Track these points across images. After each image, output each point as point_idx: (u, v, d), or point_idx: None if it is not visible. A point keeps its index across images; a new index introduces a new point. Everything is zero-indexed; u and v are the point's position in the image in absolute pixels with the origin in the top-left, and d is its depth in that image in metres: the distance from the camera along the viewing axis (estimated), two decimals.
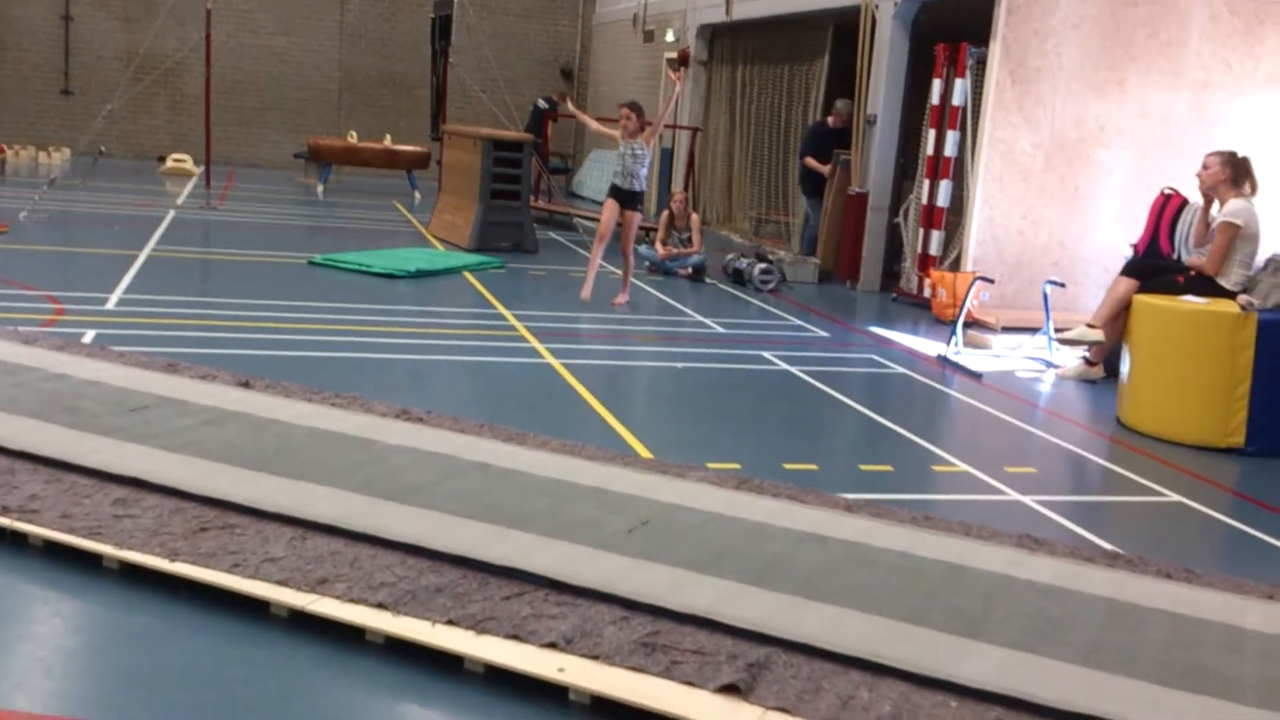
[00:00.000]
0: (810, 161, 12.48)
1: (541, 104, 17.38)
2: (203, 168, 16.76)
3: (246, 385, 5.58)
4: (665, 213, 11.90)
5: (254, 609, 3.34)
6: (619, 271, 9.97)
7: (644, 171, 9.44)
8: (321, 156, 16.65)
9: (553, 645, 3.13)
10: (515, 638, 3.16)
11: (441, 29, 16.63)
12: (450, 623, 3.22)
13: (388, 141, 17.30)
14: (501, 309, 8.86)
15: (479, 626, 3.21)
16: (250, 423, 4.91)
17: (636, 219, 9.56)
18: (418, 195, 16.75)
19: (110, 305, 7.79)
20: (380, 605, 3.29)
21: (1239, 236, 7.15)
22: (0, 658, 3.07)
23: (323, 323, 7.80)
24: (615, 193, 9.51)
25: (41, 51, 19.25)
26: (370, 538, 3.74)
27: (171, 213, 13.05)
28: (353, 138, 17.11)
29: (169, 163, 17.78)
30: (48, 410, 4.80)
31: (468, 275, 10.44)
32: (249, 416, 4.99)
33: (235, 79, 19.45)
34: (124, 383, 5.36)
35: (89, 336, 6.68)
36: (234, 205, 14.49)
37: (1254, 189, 7.35)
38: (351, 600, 3.31)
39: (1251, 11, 10.26)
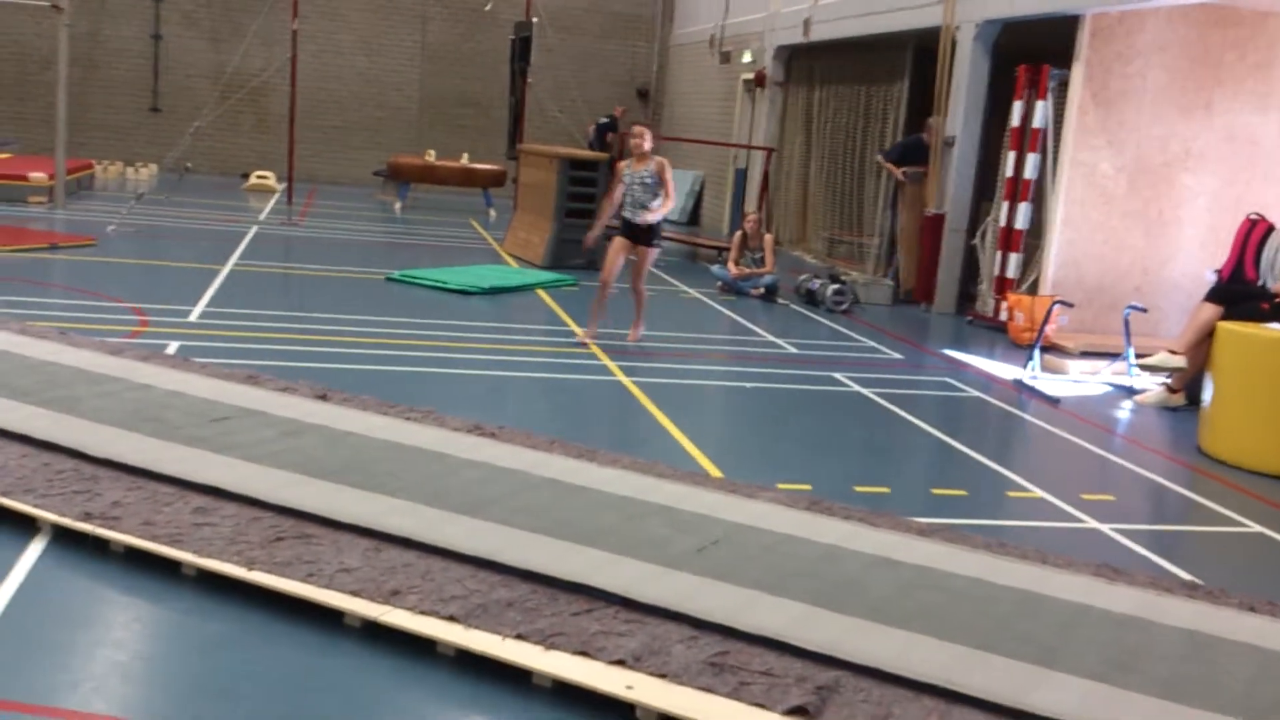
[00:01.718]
0: (887, 163, 12.33)
1: (603, 120, 17.52)
2: (285, 184, 17.10)
3: (324, 398, 5.67)
4: (738, 233, 11.89)
5: (328, 618, 3.39)
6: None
7: (657, 204, 8.08)
8: (400, 174, 16.91)
9: (621, 662, 3.13)
10: (584, 654, 3.17)
11: (521, 50, 16.81)
12: (520, 637, 3.23)
13: (465, 160, 17.51)
14: (574, 326, 8.91)
15: (548, 641, 3.22)
16: (328, 435, 4.99)
17: (652, 255, 8.36)
18: (493, 213, 16.92)
19: (193, 318, 7.97)
20: (451, 618, 3.31)
21: None
22: (79, 662, 3.14)
23: (399, 337, 7.90)
24: (624, 228, 8.28)
25: (132, 70, 19.80)
26: (442, 550, 3.77)
27: (254, 228, 13.32)
28: (431, 156, 17.35)
29: (252, 179, 18.17)
30: (133, 420, 4.92)
31: (541, 292, 10.52)
32: (326, 429, 5.07)
33: (318, 98, 19.84)
34: (206, 394, 5.47)
35: (173, 348, 6.84)
36: (314, 221, 14.75)
37: None
38: (423, 612, 3.34)
39: None
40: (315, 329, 7.97)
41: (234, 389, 5.64)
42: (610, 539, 3.98)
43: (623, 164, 8.28)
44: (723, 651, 3.23)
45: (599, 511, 4.28)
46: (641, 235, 8.21)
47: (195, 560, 3.61)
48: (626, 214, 8.21)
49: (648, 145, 8.10)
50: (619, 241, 8.27)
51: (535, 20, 16.53)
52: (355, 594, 3.43)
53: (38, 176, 13.62)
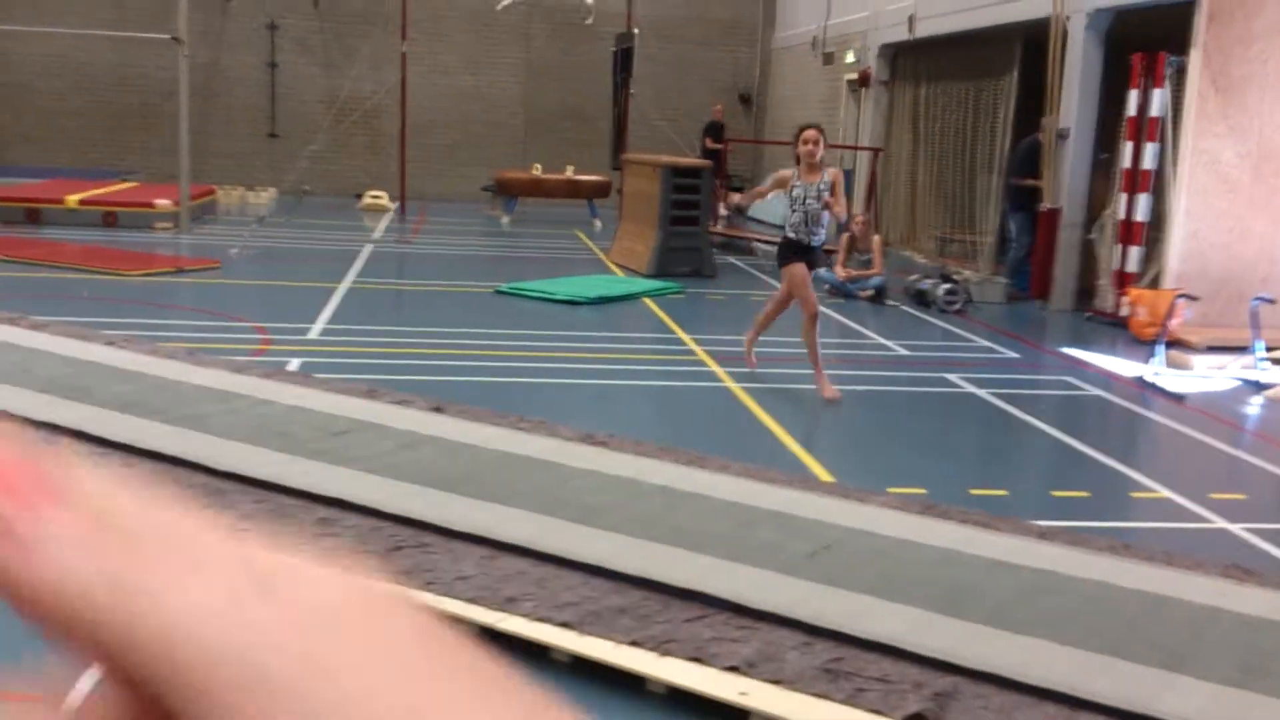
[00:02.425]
0: (1023, 182, 11.98)
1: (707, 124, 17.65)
2: (398, 203, 17.49)
3: (439, 410, 5.78)
4: (846, 235, 11.77)
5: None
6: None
7: (828, 218, 7.08)
8: (507, 189, 17.15)
9: (735, 669, 3.12)
10: (697, 660, 3.17)
11: (622, 61, 16.94)
12: (633, 643, 3.25)
13: (570, 172, 17.69)
14: (681, 333, 8.93)
15: (661, 648, 3.23)
16: (444, 446, 5.08)
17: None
18: (598, 223, 17.05)
19: (313, 335, 8.20)
20: (565, 624, 3.35)
21: None
22: None
23: (509, 349, 8.02)
24: (795, 250, 7.05)
25: (249, 97, 20.47)
26: (556, 558, 3.81)
27: (369, 246, 13.65)
28: (537, 170, 17.57)
29: (366, 199, 18.62)
30: (258, 435, 5.09)
31: (648, 301, 10.57)
32: (442, 440, 5.17)
33: (427, 118, 20.25)
34: (326, 408, 5.63)
35: (294, 364, 7.05)
36: (426, 238, 15.06)
37: None
38: (538, 619, 3.39)
39: None
40: (429, 343, 8.14)
41: (353, 403, 5.79)
42: (722, 545, 3.98)
43: (787, 173, 7.11)
44: (837, 657, 3.20)
45: (710, 518, 4.29)
46: (816, 255, 7.22)
47: None
48: (795, 233, 7.02)
49: (821, 153, 7.00)
50: (798, 268, 7.05)
51: (636, 31, 16.63)
52: (472, 601, 3.49)
53: (163, 203, 14.16)
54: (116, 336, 7.32)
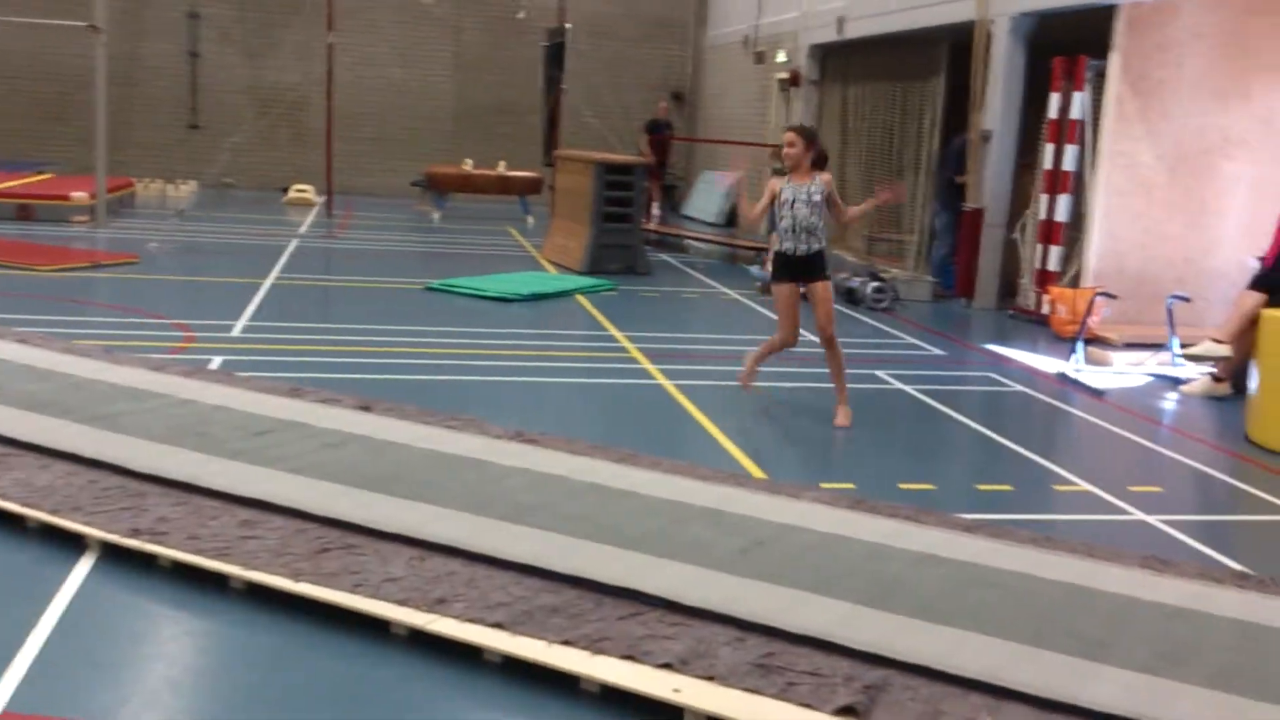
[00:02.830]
0: (962, 179, 12.07)
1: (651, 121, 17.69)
2: (324, 197, 17.25)
3: (367, 409, 5.71)
4: (775, 234, 11.84)
5: (374, 628, 3.41)
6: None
7: (822, 225, 6.39)
8: (437, 184, 17.00)
9: (668, 666, 3.13)
10: (630, 658, 3.17)
11: (554, 56, 16.86)
12: (566, 642, 3.24)
13: (501, 168, 17.58)
14: (614, 331, 8.92)
15: (594, 646, 3.22)
16: (371, 445, 5.02)
17: (828, 292, 6.47)
18: (531, 220, 16.98)
19: (235, 332, 8.05)
20: (497, 625, 3.33)
21: None
22: (130, 676, 3.18)
23: (439, 346, 7.95)
24: (787, 266, 6.44)
25: (169, 87, 20.03)
26: (487, 558, 3.79)
27: (294, 242, 13.45)
28: (467, 165, 17.43)
29: (292, 193, 18.34)
30: (177, 435, 4.98)
31: (580, 298, 10.54)
32: (369, 439, 5.11)
33: (355, 111, 19.98)
34: (249, 407, 5.53)
35: (216, 363, 6.91)
36: (354, 233, 14.88)
37: None
38: (469, 620, 3.36)
39: None
40: (357, 340, 8.04)
41: (277, 402, 5.70)
42: (654, 542, 3.99)
43: (776, 181, 6.51)
44: (769, 652, 3.22)
45: (642, 515, 4.29)
46: (813, 268, 6.43)
47: (242, 573, 3.65)
48: (786, 245, 6.40)
49: (804, 156, 6.32)
50: (788, 289, 6.47)
51: (568, 26, 16.56)
52: (401, 603, 3.45)
53: (79, 196, 13.82)
54: (29, 334, 7.13)
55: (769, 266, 10.59)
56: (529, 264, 12.83)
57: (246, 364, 6.90)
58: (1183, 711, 2.96)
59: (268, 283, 10.32)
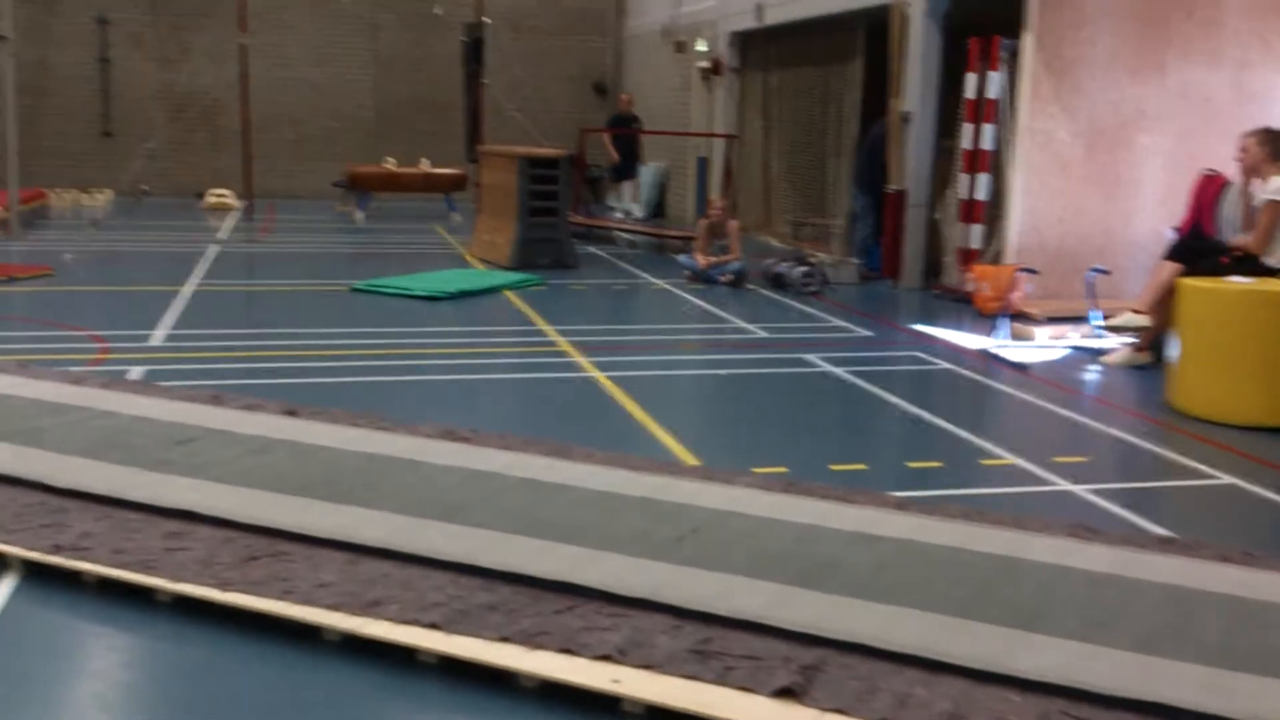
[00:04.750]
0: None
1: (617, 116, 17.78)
2: (244, 202, 16.98)
3: (293, 413, 5.62)
4: (704, 222, 11.89)
5: (306, 635, 3.36)
6: (661, 282, 9.86)
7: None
8: (360, 184, 16.81)
9: (606, 657, 3.12)
10: (568, 651, 3.15)
11: (474, 52, 16.74)
12: (503, 639, 3.22)
13: (425, 166, 17.43)
14: (544, 325, 8.89)
15: (532, 641, 3.20)
16: (297, 450, 4.95)
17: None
18: (456, 217, 16.86)
19: (156, 341, 7.89)
20: (433, 625, 3.29)
21: None
22: (58, 694, 3.10)
23: (367, 348, 7.86)
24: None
25: (81, 95, 19.59)
26: (421, 558, 3.75)
27: (215, 247, 13.22)
28: (390, 164, 17.25)
29: (210, 198, 18.02)
30: (97, 448, 4.87)
31: (509, 294, 10.48)
32: (296, 444, 5.03)
33: (272, 112, 19.68)
34: (171, 417, 5.42)
35: (136, 373, 6.77)
36: (276, 237, 14.66)
37: None
38: (404, 621, 3.32)
39: None
40: (282, 345, 7.92)
41: (199, 410, 5.59)
42: (590, 535, 3.97)
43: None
44: (706, 638, 3.22)
45: (577, 508, 4.27)
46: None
47: (169, 586, 3.57)
48: None
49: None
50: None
51: (486, 21, 16.45)
52: (334, 608, 3.40)
53: None
54: None
55: (697, 256, 10.68)
56: (456, 261, 12.73)
57: (169, 373, 6.77)
58: (1113, 676, 3.01)
59: (188, 290, 10.12)
